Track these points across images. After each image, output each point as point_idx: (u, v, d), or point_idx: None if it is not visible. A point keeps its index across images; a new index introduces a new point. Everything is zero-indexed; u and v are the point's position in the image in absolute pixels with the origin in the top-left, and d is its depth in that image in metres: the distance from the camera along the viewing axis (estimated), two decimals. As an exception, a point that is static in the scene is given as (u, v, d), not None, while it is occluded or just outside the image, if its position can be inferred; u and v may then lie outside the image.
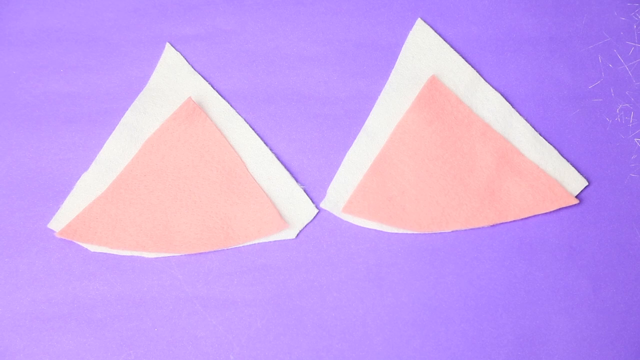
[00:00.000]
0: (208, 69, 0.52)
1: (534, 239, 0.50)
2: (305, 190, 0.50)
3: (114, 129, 0.51)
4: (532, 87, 0.52)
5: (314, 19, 0.53)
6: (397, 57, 0.52)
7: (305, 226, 0.50)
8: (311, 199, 0.50)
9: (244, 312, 0.49)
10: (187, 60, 0.52)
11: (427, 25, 0.52)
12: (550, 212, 0.50)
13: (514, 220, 0.50)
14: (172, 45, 0.52)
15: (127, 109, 0.51)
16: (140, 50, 0.52)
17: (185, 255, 0.49)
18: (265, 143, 0.51)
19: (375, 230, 0.50)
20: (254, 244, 0.50)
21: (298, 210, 0.50)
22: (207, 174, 0.50)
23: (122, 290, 0.49)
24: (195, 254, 0.50)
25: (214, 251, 0.50)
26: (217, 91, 0.52)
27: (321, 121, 0.52)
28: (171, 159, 0.50)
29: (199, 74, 0.52)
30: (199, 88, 0.52)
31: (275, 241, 0.50)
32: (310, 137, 0.51)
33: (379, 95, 0.52)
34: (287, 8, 0.53)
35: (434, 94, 0.50)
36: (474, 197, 0.49)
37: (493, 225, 0.50)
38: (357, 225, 0.50)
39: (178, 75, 0.52)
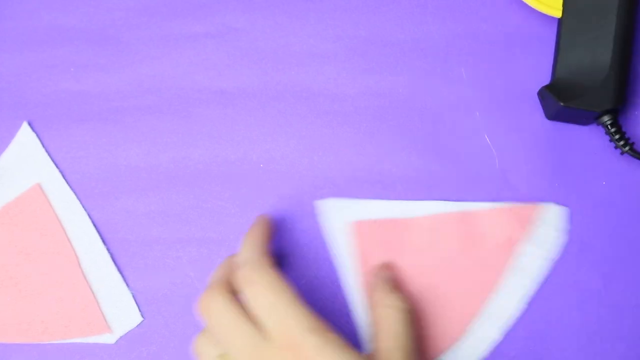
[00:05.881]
0: (218, 66, 0.52)
1: (545, 234, 0.50)
2: (133, 297, 0.49)
3: (124, 128, 0.51)
4: (543, 84, 0.52)
5: (323, 15, 0.53)
6: (407, 54, 0.52)
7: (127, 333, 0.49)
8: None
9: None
10: (42, 143, 0.51)
11: None
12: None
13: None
14: (29, 125, 0.51)
15: (138, 108, 0.51)
16: (151, 48, 0.53)
17: (197, 252, 0.50)
18: (100, 238, 0.49)
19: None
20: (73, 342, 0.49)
21: (123, 315, 0.49)
22: (37, 265, 0.49)
23: (134, 287, 0.50)
24: (208, 252, 0.50)
25: (227, 248, 0.50)
26: (66, 181, 0.50)
27: (331, 118, 0.52)
28: (4, 243, 0.49)
29: (51, 159, 0.50)
30: (48, 174, 0.50)
31: (94, 343, 0.49)
32: (320, 133, 0.51)
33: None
34: (296, 5, 0.53)
35: None
36: None
37: None
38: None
39: (30, 158, 0.50)
